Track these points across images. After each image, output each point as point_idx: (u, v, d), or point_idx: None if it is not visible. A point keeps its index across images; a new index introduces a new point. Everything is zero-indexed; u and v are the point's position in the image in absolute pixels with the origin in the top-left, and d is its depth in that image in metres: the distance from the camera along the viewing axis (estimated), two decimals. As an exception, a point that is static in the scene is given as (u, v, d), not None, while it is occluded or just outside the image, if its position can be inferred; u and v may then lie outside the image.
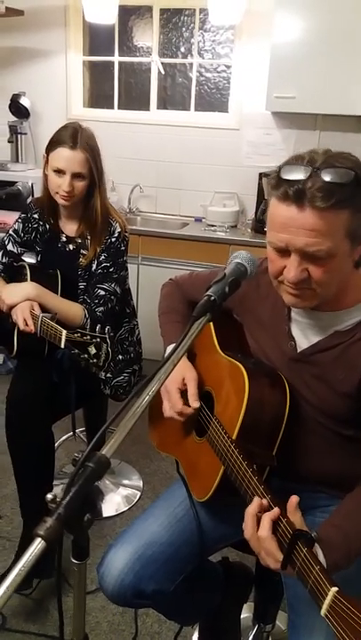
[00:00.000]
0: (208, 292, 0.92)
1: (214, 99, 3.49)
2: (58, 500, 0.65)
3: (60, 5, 3.43)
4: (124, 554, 1.18)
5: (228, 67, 3.39)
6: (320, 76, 2.84)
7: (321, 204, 0.91)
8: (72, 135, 1.76)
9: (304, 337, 1.16)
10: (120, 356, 2.03)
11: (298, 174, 0.93)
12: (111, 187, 3.58)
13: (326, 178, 0.91)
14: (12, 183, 3.13)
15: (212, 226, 3.27)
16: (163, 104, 3.60)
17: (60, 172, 1.77)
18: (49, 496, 0.65)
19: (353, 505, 1.06)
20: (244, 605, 1.62)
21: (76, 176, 1.77)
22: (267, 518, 0.92)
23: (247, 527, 0.95)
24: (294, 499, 0.93)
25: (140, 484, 2.45)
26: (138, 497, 2.36)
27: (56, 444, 2.61)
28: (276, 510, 0.93)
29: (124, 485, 2.41)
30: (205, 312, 0.88)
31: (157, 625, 1.81)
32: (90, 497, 0.67)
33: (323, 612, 0.77)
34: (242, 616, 1.68)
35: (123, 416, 0.78)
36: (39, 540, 0.60)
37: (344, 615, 0.74)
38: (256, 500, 0.96)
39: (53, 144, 1.78)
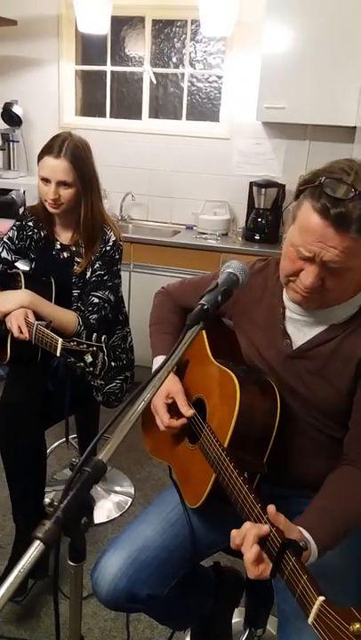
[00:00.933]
0: (201, 301, 0.94)
1: (206, 108, 3.54)
2: (55, 503, 0.67)
3: (53, 15, 3.46)
4: (118, 559, 1.19)
5: (220, 77, 3.44)
6: (310, 86, 2.88)
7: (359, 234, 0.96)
8: (59, 144, 1.79)
9: (300, 333, 1.18)
10: (112, 363, 2.05)
11: (341, 192, 0.96)
12: (103, 194, 3.60)
13: None
14: (4, 190, 3.16)
15: (204, 234, 3.30)
16: (154, 113, 3.64)
17: (45, 180, 1.80)
18: (46, 500, 0.67)
19: (335, 487, 1.09)
20: (236, 610, 1.64)
21: (60, 184, 1.80)
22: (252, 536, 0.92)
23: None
24: (271, 508, 0.93)
25: (132, 490, 2.46)
26: (129, 503, 2.37)
27: (47, 451, 2.62)
28: (265, 528, 0.92)
29: (116, 492, 2.42)
30: (199, 321, 0.91)
31: (149, 630, 1.82)
32: (86, 501, 0.69)
33: (310, 620, 0.78)
34: (233, 620, 1.69)
35: (117, 423, 0.79)
36: (38, 542, 0.62)
37: (330, 624, 0.75)
38: (252, 530, 0.94)
39: (41, 153, 1.82)
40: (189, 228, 3.51)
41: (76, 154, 1.81)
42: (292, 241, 1.05)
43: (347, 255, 0.98)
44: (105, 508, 2.32)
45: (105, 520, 2.26)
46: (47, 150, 1.80)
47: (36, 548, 0.62)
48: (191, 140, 3.48)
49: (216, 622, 1.52)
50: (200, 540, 1.27)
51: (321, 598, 0.78)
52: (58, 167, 1.78)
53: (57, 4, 3.44)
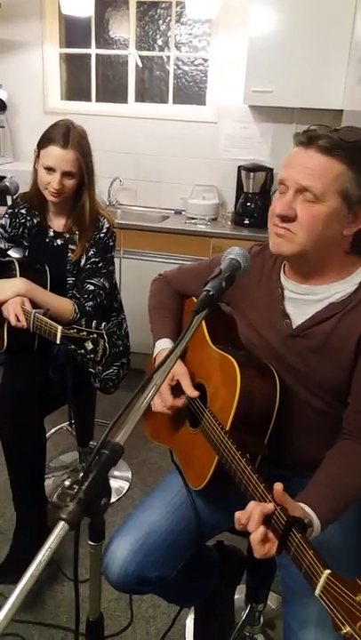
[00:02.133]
0: (206, 288, 0.96)
1: (192, 92, 3.52)
2: (75, 486, 0.69)
3: (36, -3, 3.40)
4: (127, 544, 1.23)
5: (206, 60, 3.42)
6: (297, 70, 2.88)
7: (322, 143, 1.04)
8: (64, 134, 1.78)
9: (300, 313, 1.21)
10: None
11: (319, 129, 1.06)
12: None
13: (338, 135, 1.05)
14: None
15: (193, 219, 3.31)
16: (141, 97, 3.61)
17: (50, 169, 1.78)
18: (66, 483, 0.69)
19: (335, 462, 1.13)
20: (237, 587, 1.69)
21: (65, 174, 1.79)
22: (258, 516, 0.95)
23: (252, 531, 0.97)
24: (278, 487, 0.96)
25: (129, 474, 2.49)
26: (127, 488, 2.41)
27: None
28: (270, 506, 0.95)
29: (114, 477, 2.45)
30: (205, 306, 0.93)
31: (152, 609, 1.87)
32: (106, 482, 0.71)
33: (317, 592, 0.82)
34: (235, 597, 1.74)
35: (130, 409, 0.81)
36: (62, 523, 0.64)
37: (337, 595, 0.78)
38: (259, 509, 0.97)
39: (45, 141, 1.79)
40: (178, 212, 3.51)
41: (82, 144, 1.81)
42: (278, 180, 1.14)
43: (314, 172, 1.05)
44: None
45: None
46: (52, 139, 1.78)
47: (60, 529, 0.64)
48: (178, 123, 3.46)
49: (220, 599, 1.57)
50: (204, 521, 1.30)
51: (327, 571, 0.81)
52: (65, 157, 1.77)
53: (39, -14, 3.38)
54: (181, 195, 3.50)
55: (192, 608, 1.74)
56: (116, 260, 3.19)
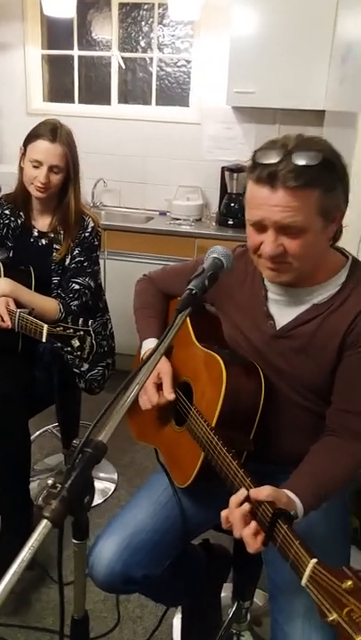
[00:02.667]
0: (189, 286, 0.97)
1: (175, 93, 3.53)
2: (58, 485, 0.69)
3: (17, -2, 3.39)
4: (112, 544, 1.22)
5: (188, 61, 3.43)
6: (279, 71, 2.90)
7: (292, 184, 0.99)
8: (52, 129, 1.79)
9: (283, 314, 1.22)
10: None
11: (271, 158, 1.01)
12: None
13: (297, 160, 0.99)
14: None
15: (177, 219, 3.31)
16: (124, 98, 3.61)
17: (37, 163, 1.78)
18: (49, 482, 0.69)
19: (319, 454, 1.15)
20: (224, 585, 1.69)
21: (52, 169, 1.79)
22: (238, 513, 0.97)
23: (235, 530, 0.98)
24: (261, 495, 0.96)
25: (115, 476, 2.49)
26: (113, 489, 2.40)
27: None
28: (246, 507, 0.97)
29: (100, 478, 2.45)
30: (188, 305, 0.93)
31: (139, 610, 1.86)
32: (89, 480, 0.71)
33: (303, 581, 0.82)
34: (222, 594, 1.75)
35: (113, 407, 0.82)
36: (45, 521, 0.64)
37: (323, 583, 0.79)
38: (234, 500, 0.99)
39: (32, 137, 1.80)
40: (163, 214, 3.51)
41: (70, 141, 1.83)
42: (246, 218, 1.10)
43: (292, 210, 1.01)
44: (89, 494, 2.34)
45: (90, 506, 2.28)
46: (40, 134, 1.79)
47: (43, 527, 0.64)
48: (161, 125, 3.47)
49: (206, 597, 1.57)
50: (190, 519, 1.30)
51: (313, 560, 0.82)
52: (53, 151, 1.78)
53: (21, -14, 3.36)
54: (166, 196, 3.51)
55: (179, 607, 1.74)
56: (101, 262, 3.17)
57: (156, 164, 3.54)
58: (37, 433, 2.64)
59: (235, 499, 0.99)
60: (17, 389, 1.78)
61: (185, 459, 1.27)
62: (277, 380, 1.23)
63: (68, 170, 1.83)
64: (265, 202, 1.03)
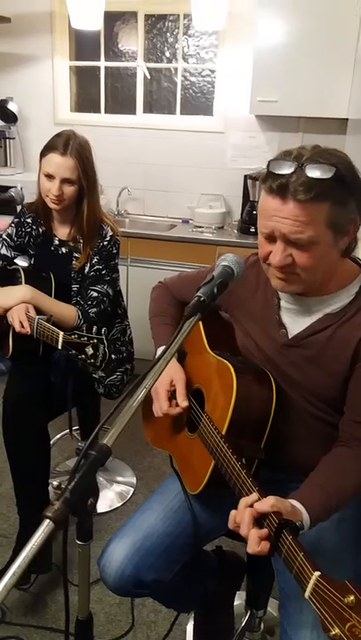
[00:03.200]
0: (198, 294, 0.98)
1: (199, 102, 3.56)
2: (63, 486, 0.71)
3: (47, 11, 3.47)
4: (124, 546, 1.24)
5: (213, 71, 3.46)
6: (302, 79, 2.91)
7: (302, 197, 0.99)
8: (64, 142, 1.82)
9: (295, 323, 1.22)
10: (113, 356, 2.09)
11: (284, 169, 1.01)
12: (100, 190, 3.63)
13: (309, 173, 0.99)
14: (2, 188, 3.18)
15: (200, 227, 3.34)
16: (149, 108, 3.66)
17: (50, 176, 1.83)
18: (54, 483, 0.71)
19: (329, 464, 1.14)
20: (238, 593, 1.69)
21: (65, 181, 1.83)
22: (248, 515, 0.97)
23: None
24: (266, 505, 0.96)
25: (134, 480, 2.51)
26: (131, 493, 2.42)
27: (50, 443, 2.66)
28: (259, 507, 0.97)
29: (118, 482, 2.47)
30: (196, 312, 0.95)
31: (153, 614, 1.87)
32: (93, 482, 0.73)
33: (306, 594, 0.82)
34: (235, 603, 1.75)
35: (119, 411, 0.83)
36: (47, 521, 0.66)
37: (326, 597, 0.79)
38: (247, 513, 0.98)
39: (46, 150, 1.84)
40: (185, 221, 3.54)
41: (81, 152, 1.85)
42: (258, 227, 1.11)
43: (301, 223, 1.01)
44: (107, 498, 2.36)
45: (108, 509, 2.31)
46: (52, 147, 1.83)
47: (46, 526, 0.66)
48: (185, 134, 3.50)
49: (218, 604, 1.57)
50: (202, 525, 1.31)
51: (317, 573, 0.82)
52: (63, 164, 1.81)
53: (50, 1, 3.45)
54: (188, 204, 3.54)
55: (192, 614, 1.74)
56: (124, 268, 3.24)
57: (179, 172, 3.58)
58: (58, 436, 2.68)
59: (245, 500, 0.99)
60: (36, 393, 1.82)
61: (196, 465, 1.28)
62: (289, 389, 1.23)
63: (81, 181, 1.86)
64: (276, 213, 1.03)
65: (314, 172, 0.99)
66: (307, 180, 0.99)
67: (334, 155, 1.05)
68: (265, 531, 0.95)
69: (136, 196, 3.66)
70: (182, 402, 1.30)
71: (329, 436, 1.23)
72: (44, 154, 1.85)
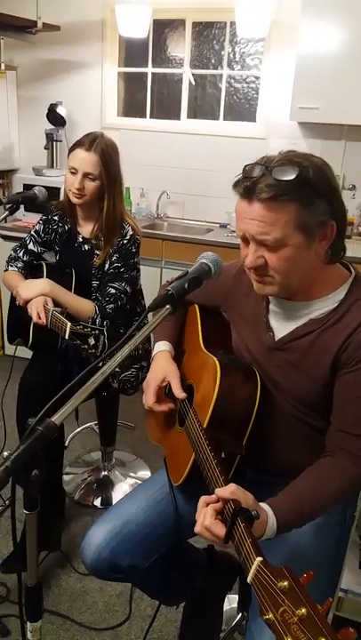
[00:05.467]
0: (168, 287, 1.01)
1: (243, 109, 3.58)
2: (5, 454, 0.76)
3: (98, 20, 3.60)
4: (103, 531, 1.28)
5: (257, 77, 3.48)
6: (345, 86, 2.88)
7: (264, 196, 1.02)
8: (91, 140, 1.91)
9: (281, 327, 1.23)
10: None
11: (254, 172, 1.05)
12: (141, 193, 3.73)
13: (274, 175, 1.02)
14: (48, 188, 3.31)
15: (235, 232, 3.34)
16: (193, 113, 3.72)
17: (73, 170, 1.91)
18: (5, 454, 0.76)
19: (310, 471, 1.14)
20: (232, 597, 1.69)
21: (86, 175, 1.90)
22: (210, 508, 0.99)
23: (197, 523, 1.01)
24: (226, 492, 0.98)
25: (148, 474, 2.54)
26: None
27: (72, 435, 2.76)
28: (219, 504, 0.99)
29: (133, 477, 2.52)
30: (164, 304, 0.98)
31: (150, 609, 1.90)
32: (38, 456, 0.78)
33: (249, 579, 0.83)
34: (229, 607, 1.75)
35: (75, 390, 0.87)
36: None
37: (264, 582, 0.80)
38: (202, 498, 1.02)
39: (73, 146, 1.94)
40: (223, 226, 3.57)
41: (105, 151, 1.92)
42: (237, 232, 1.13)
43: (266, 224, 1.04)
44: (121, 491, 2.42)
45: (120, 503, 2.36)
46: (79, 143, 1.93)
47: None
48: (228, 139, 3.53)
49: (206, 603, 1.58)
50: (185, 518, 1.33)
51: (258, 559, 0.83)
52: (86, 159, 1.89)
53: (102, 10, 3.58)
54: (227, 209, 3.56)
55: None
56: (158, 270, 3.31)
57: (220, 177, 3.60)
58: (79, 429, 2.76)
59: (204, 498, 1.01)
60: (49, 380, 1.89)
61: (180, 458, 1.31)
62: (273, 391, 1.24)
63: (103, 178, 1.92)
64: (245, 215, 1.07)
65: (278, 174, 1.02)
66: (271, 182, 1.02)
67: (307, 159, 1.06)
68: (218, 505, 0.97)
69: (176, 199, 3.72)
70: (180, 394, 1.32)
71: (312, 438, 1.23)
72: (71, 150, 1.94)
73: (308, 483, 1.12)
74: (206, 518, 0.98)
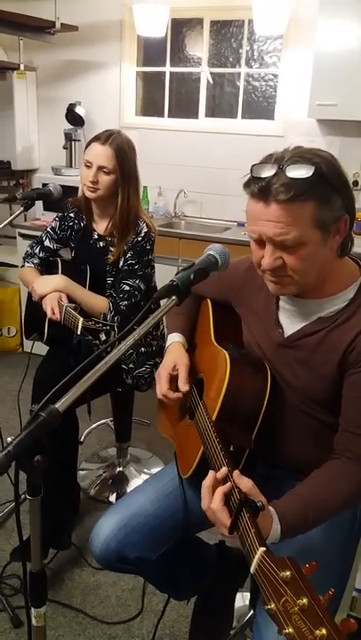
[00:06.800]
0: (173, 278, 1.01)
1: (261, 107, 3.57)
2: (9, 439, 0.77)
3: (116, 20, 3.63)
4: (112, 522, 1.29)
5: (275, 75, 3.46)
6: (363, 83, 2.86)
7: (283, 197, 0.99)
8: (107, 135, 1.93)
9: (291, 324, 1.22)
10: (143, 349, 2.15)
11: (265, 172, 1.02)
12: (158, 192, 3.74)
13: (289, 173, 0.99)
14: (67, 187, 3.34)
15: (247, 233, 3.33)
16: (211, 112, 3.72)
17: (88, 164, 1.93)
18: (8, 439, 0.77)
19: (316, 475, 1.13)
20: (244, 594, 1.69)
21: (101, 169, 1.92)
22: (219, 492, 0.99)
23: (203, 500, 1.01)
24: (242, 482, 0.98)
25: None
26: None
27: (88, 431, 2.78)
28: (228, 484, 0.99)
29: (147, 473, 2.53)
30: (169, 295, 0.98)
31: (163, 604, 1.90)
32: (41, 442, 0.79)
33: (252, 569, 0.83)
34: (242, 604, 1.75)
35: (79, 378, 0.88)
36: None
37: (267, 572, 0.80)
38: (211, 474, 1.02)
39: (90, 141, 1.96)
40: (241, 224, 3.56)
41: (121, 146, 1.94)
42: (247, 233, 1.11)
43: (285, 225, 1.00)
44: (135, 486, 2.42)
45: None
46: (95, 138, 1.95)
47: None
48: (245, 137, 3.52)
49: (216, 598, 1.58)
50: (193, 512, 1.33)
51: (262, 549, 0.83)
52: (101, 152, 1.91)
53: (119, 10, 3.60)
54: (244, 207, 3.52)
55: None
56: (174, 269, 3.31)
57: (237, 175, 3.54)
58: (95, 425, 2.78)
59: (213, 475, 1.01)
60: (62, 376, 1.89)
61: (189, 450, 1.31)
62: (283, 387, 1.24)
63: (117, 172, 1.93)
64: (260, 217, 1.04)
65: (293, 172, 0.99)
66: (287, 181, 0.99)
67: (316, 154, 1.04)
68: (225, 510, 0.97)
69: (194, 198, 3.72)
70: (183, 386, 1.33)
71: (321, 433, 1.22)
72: (87, 145, 1.97)
73: (314, 486, 1.11)
74: (215, 501, 0.98)
